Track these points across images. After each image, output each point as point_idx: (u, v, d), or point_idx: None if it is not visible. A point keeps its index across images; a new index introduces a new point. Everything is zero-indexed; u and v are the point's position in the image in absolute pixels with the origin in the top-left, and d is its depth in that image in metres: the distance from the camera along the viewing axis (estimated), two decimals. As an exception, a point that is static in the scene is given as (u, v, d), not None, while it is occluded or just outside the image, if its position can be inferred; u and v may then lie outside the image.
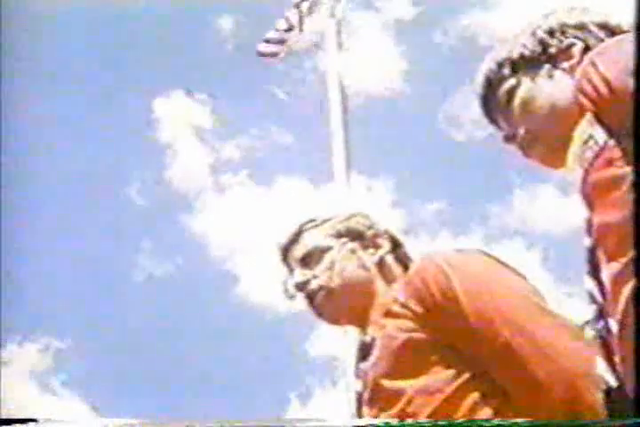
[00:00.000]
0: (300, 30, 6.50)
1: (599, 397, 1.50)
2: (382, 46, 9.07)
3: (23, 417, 1.76)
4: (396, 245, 1.97)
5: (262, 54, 6.60)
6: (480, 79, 1.59)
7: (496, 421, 1.62)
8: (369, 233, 1.97)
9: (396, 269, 1.93)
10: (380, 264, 1.93)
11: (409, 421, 1.67)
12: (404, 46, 9.36)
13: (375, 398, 1.78)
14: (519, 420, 1.59)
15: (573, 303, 1.72)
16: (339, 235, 1.96)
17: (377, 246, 1.96)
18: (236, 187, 9.74)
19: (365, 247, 1.95)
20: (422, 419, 1.68)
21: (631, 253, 1.25)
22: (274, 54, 6.58)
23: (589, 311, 1.65)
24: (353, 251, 1.94)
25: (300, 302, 1.96)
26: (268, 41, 6.61)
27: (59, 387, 8.53)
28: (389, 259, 1.95)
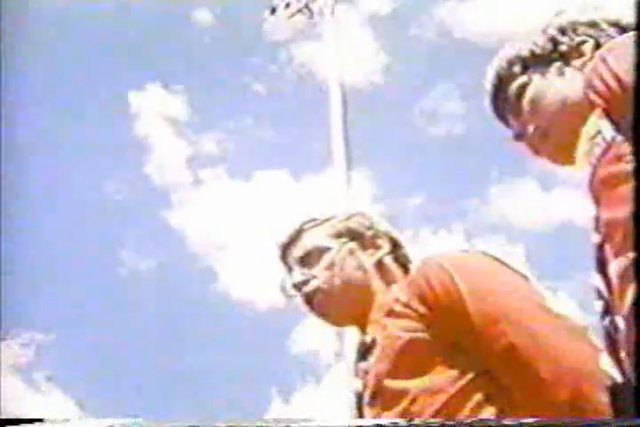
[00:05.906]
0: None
1: (603, 396, 1.51)
2: (360, 40, 9.10)
3: (29, 417, 1.76)
4: (395, 246, 1.98)
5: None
6: (490, 77, 1.60)
7: (506, 421, 1.62)
8: (368, 233, 1.97)
9: (395, 270, 1.93)
10: (379, 265, 1.94)
11: (416, 421, 1.67)
12: (381, 40, 9.41)
13: (378, 397, 1.78)
14: (528, 420, 1.59)
15: (559, 299, 1.73)
16: (338, 235, 1.96)
17: (376, 247, 1.96)
18: (214, 181, 9.75)
19: (364, 248, 1.95)
20: (426, 418, 1.68)
21: (634, 253, 1.26)
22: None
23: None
24: (352, 251, 1.94)
25: (295, 300, 1.97)
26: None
27: (42, 382, 8.50)
28: (388, 260, 1.95)
